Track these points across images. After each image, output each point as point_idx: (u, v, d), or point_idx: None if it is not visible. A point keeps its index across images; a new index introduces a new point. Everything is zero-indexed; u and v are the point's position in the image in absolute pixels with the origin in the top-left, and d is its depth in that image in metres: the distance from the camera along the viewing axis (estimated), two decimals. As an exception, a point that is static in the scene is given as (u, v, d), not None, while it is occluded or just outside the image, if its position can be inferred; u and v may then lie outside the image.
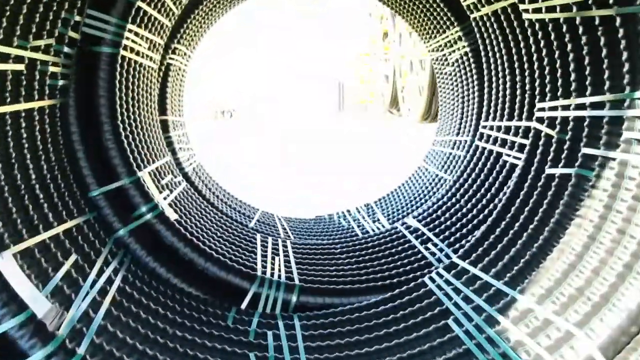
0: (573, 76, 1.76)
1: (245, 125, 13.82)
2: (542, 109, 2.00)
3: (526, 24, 2.03)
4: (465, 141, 3.14)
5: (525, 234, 1.81)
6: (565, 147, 1.79)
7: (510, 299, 1.63)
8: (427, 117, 11.63)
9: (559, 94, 1.86)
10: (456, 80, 3.36)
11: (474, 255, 1.98)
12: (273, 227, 3.25)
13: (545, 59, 1.93)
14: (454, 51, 3.26)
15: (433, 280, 2.02)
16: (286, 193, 5.38)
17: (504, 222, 1.98)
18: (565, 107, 1.83)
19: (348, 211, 3.65)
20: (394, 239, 2.70)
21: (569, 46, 1.74)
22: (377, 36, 14.39)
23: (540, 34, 1.92)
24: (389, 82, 13.63)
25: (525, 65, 2.37)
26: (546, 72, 1.94)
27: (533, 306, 1.53)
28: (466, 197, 2.64)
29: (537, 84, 2.05)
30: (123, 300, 1.69)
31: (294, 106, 16.63)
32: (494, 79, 2.74)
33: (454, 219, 2.57)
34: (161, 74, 3.05)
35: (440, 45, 3.40)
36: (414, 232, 2.69)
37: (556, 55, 1.85)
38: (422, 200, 3.19)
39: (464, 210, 2.56)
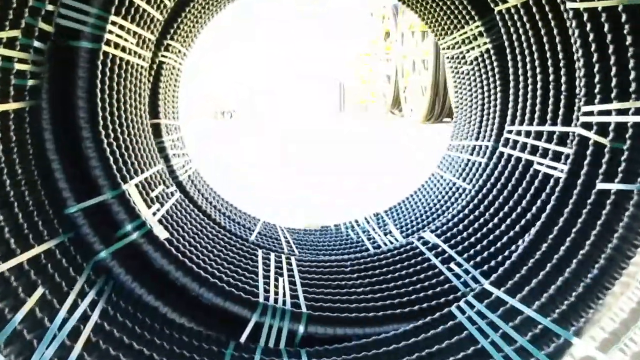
0: (633, 75, 1.49)
1: (245, 125, 13.70)
2: (590, 113, 1.73)
3: (569, 14, 1.76)
4: (487, 147, 2.87)
5: (575, 260, 1.54)
6: (623, 158, 1.52)
7: (563, 341, 1.36)
8: (430, 118, 11.46)
9: (612, 95, 1.59)
10: (475, 80, 3.09)
11: (510, 282, 1.71)
12: (276, 240, 2.97)
13: (595, 55, 1.66)
14: (472, 48, 2.99)
15: (462, 311, 1.74)
16: (286, 193, 5.31)
17: (545, 244, 1.71)
18: (622, 112, 1.56)
19: (356, 221, 3.38)
20: (411, 257, 2.43)
21: (629, 39, 1.48)
22: (379, 36, 14.22)
23: (588, 26, 1.65)
24: (390, 83, 13.44)
25: (561, 63, 2.10)
26: (595, 70, 1.67)
27: (595, 354, 1.26)
28: (491, 210, 2.37)
29: (581, 84, 1.78)
30: (99, 342, 1.42)
31: (294, 106, 16.48)
32: (521, 78, 2.47)
33: (478, 234, 2.30)
34: (153, 73, 2.78)
35: (457, 42, 3.13)
36: (433, 248, 2.42)
37: (610, 51, 1.57)
38: (439, 212, 2.92)
39: (490, 225, 2.29)
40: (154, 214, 2.07)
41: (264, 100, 16.52)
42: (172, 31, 2.79)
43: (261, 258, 2.43)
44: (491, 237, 2.21)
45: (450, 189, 3.04)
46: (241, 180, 5.98)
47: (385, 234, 3.00)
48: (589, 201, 1.62)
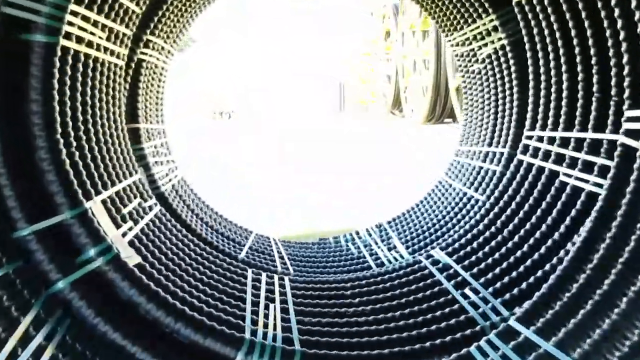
0: (698, 73, 1.22)
1: (242, 123, 13.56)
2: (636, 119, 1.46)
3: (611, 1, 1.49)
4: (501, 154, 2.59)
5: (625, 299, 1.27)
6: (684, 175, 1.25)
7: (619, 406, 1.09)
8: (431, 119, 11.27)
9: (668, 98, 1.32)
10: (487, 80, 2.82)
11: (541, 320, 1.44)
12: (269, 255, 2.70)
13: (645, 50, 1.39)
14: (485, 45, 2.71)
15: (484, 354, 1.47)
16: (283, 193, 5.23)
17: (583, 275, 1.44)
18: (682, 118, 1.29)
19: (357, 233, 3.11)
20: (419, 279, 2.16)
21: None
22: (379, 36, 14.03)
23: (637, 15, 1.38)
24: (391, 83, 13.23)
25: (593, 60, 1.82)
26: (645, 67, 1.40)
27: None
28: (510, 226, 2.10)
29: (625, 83, 1.51)
30: (42, 404, 1.15)
31: (292, 105, 16.30)
32: (542, 77, 2.20)
33: (496, 255, 2.02)
34: (131, 72, 2.50)
35: (467, 39, 2.85)
36: (444, 269, 2.15)
37: (666, 44, 1.30)
38: (449, 225, 2.64)
39: (510, 244, 2.01)
40: (124, 234, 1.79)
41: (261, 99, 16.30)
42: (152, 25, 2.51)
43: (250, 280, 2.16)
44: (511, 259, 1.93)
45: (461, 199, 2.76)
46: (238, 180, 5.94)
47: (390, 249, 2.73)
48: (638, 226, 1.35)
